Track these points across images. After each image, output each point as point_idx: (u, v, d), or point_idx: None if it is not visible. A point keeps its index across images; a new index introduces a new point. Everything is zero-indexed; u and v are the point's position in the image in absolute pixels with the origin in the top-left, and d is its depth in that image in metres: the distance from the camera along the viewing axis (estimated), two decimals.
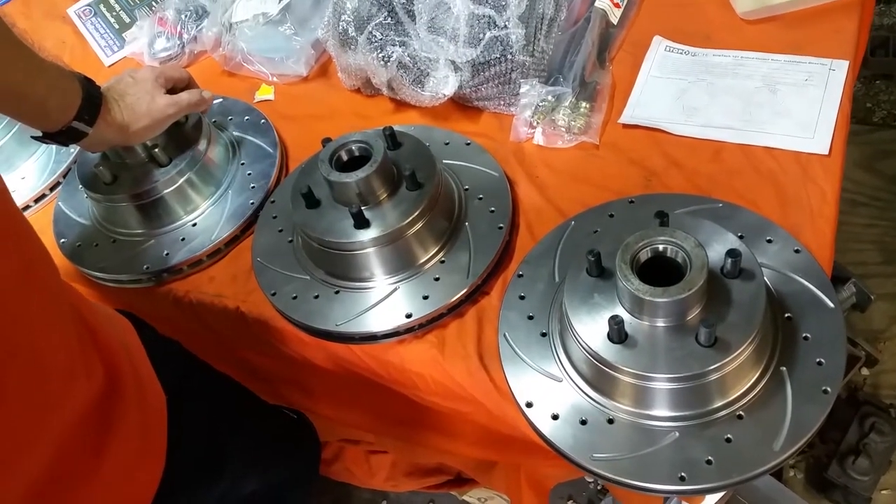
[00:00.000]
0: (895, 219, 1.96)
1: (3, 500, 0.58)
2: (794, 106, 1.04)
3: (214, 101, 1.25)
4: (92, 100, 0.96)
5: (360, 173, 0.92)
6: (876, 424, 1.58)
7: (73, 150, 1.24)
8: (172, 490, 0.76)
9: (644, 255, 0.79)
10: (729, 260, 0.78)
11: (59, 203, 1.20)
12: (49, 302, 0.65)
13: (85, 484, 0.67)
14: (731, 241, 0.81)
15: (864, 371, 1.76)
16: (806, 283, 0.86)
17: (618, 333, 0.77)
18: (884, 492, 1.59)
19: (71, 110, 0.93)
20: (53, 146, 1.17)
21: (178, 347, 1.01)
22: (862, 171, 2.07)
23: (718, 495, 0.94)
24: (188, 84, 1.11)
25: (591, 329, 0.80)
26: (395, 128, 1.00)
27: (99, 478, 0.68)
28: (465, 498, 1.62)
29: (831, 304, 0.85)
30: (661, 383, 0.77)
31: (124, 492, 0.72)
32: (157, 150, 1.07)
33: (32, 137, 1.00)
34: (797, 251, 0.89)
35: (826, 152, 0.99)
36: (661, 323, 0.78)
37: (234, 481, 0.98)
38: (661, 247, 0.78)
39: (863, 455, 1.54)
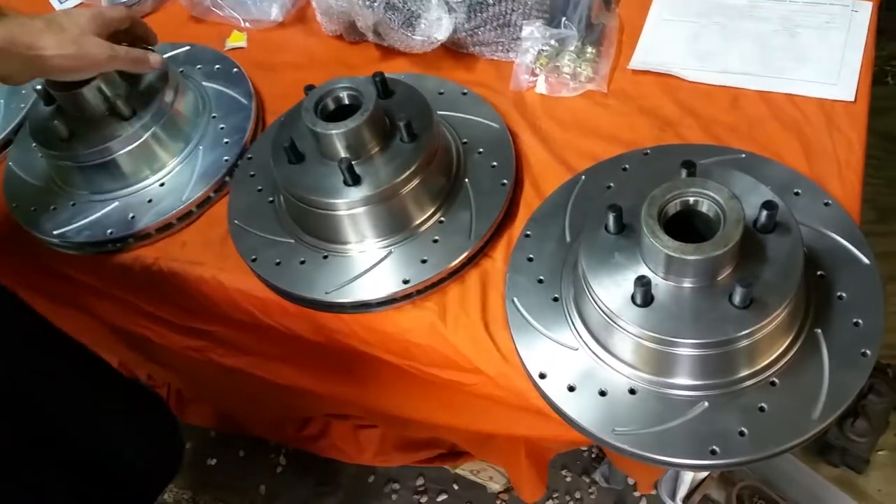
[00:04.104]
0: (889, 177, 1.93)
1: None
2: (815, 50, 0.98)
3: (181, 50, 1.14)
4: None
5: (349, 123, 0.84)
6: (874, 385, 1.54)
7: (25, 103, 1.13)
8: None
9: (672, 209, 0.72)
10: (764, 213, 0.71)
11: (10, 163, 1.09)
12: None
13: None
14: (765, 192, 0.74)
15: None
16: (839, 238, 0.81)
17: (643, 295, 0.71)
18: (880, 453, 1.57)
19: None
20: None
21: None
22: None
23: None
24: (130, 26, 0.98)
25: (612, 291, 0.73)
26: (386, 75, 0.91)
27: None
28: (457, 471, 1.57)
29: (866, 261, 0.79)
30: (689, 349, 0.71)
31: None
32: (118, 101, 0.97)
33: None
34: (827, 204, 0.83)
35: (852, 99, 0.94)
36: (688, 283, 0.71)
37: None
38: (691, 199, 0.71)
39: (861, 417, 1.51)
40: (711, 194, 0.70)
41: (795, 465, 1.51)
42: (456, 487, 1.63)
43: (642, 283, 0.70)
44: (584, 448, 1.61)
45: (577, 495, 1.60)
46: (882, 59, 2.10)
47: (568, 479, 1.61)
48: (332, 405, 1.20)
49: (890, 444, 1.57)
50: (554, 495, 1.60)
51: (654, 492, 1.47)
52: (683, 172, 0.74)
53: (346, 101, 0.88)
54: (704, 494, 1.43)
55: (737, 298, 0.69)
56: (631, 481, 1.55)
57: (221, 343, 1.07)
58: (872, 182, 1.90)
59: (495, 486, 1.57)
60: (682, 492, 1.39)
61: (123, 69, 0.97)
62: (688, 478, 1.36)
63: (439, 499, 1.63)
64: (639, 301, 0.71)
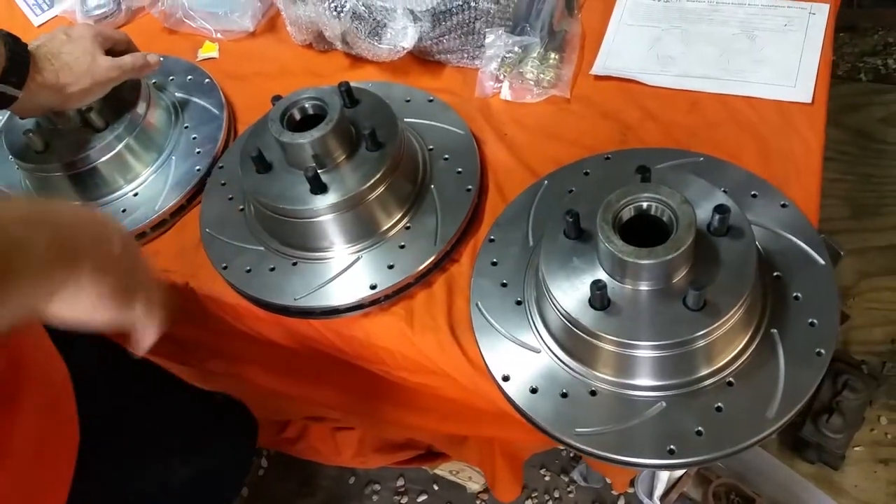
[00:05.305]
0: (862, 173, 1.94)
1: None
2: (773, 53, 0.99)
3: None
4: (18, 59, 0.87)
5: (314, 133, 0.85)
6: (849, 381, 1.56)
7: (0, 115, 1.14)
8: (90, 475, 0.73)
9: (627, 214, 0.73)
10: (717, 216, 0.73)
11: None
12: None
13: None
14: (718, 196, 0.76)
15: None
16: (794, 239, 0.82)
17: (600, 299, 0.72)
18: (856, 448, 1.58)
19: None
20: None
21: None
22: (828, 126, 2.03)
23: None
24: (127, 46, 1.02)
25: (571, 295, 0.74)
26: (352, 84, 0.92)
27: (11, 457, 0.64)
28: (436, 471, 1.58)
29: (822, 261, 0.81)
30: (646, 351, 0.72)
31: (38, 473, 0.69)
32: (91, 113, 0.99)
33: None
34: (784, 206, 0.85)
35: (809, 100, 0.95)
36: (645, 286, 0.73)
37: (163, 467, 0.97)
38: (644, 204, 0.73)
39: (836, 413, 1.52)
40: (664, 199, 0.72)
41: (772, 462, 1.52)
42: (436, 488, 1.64)
43: (598, 286, 0.71)
44: (562, 447, 1.62)
45: (556, 494, 1.61)
46: (855, 56, 2.12)
47: (546, 479, 1.62)
48: (308, 408, 1.21)
49: (866, 440, 1.59)
50: (533, 494, 1.61)
51: (631, 490, 1.49)
52: (638, 178, 0.75)
53: (312, 112, 0.89)
54: (681, 492, 1.44)
55: (690, 301, 0.70)
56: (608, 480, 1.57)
57: (197, 349, 1.08)
58: (847, 178, 1.92)
59: (475, 486, 1.58)
60: (660, 490, 1.40)
61: (130, 78, 1.00)
62: (664, 476, 1.38)
63: (419, 499, 1.64)
64: (596, 304, 0.73)
